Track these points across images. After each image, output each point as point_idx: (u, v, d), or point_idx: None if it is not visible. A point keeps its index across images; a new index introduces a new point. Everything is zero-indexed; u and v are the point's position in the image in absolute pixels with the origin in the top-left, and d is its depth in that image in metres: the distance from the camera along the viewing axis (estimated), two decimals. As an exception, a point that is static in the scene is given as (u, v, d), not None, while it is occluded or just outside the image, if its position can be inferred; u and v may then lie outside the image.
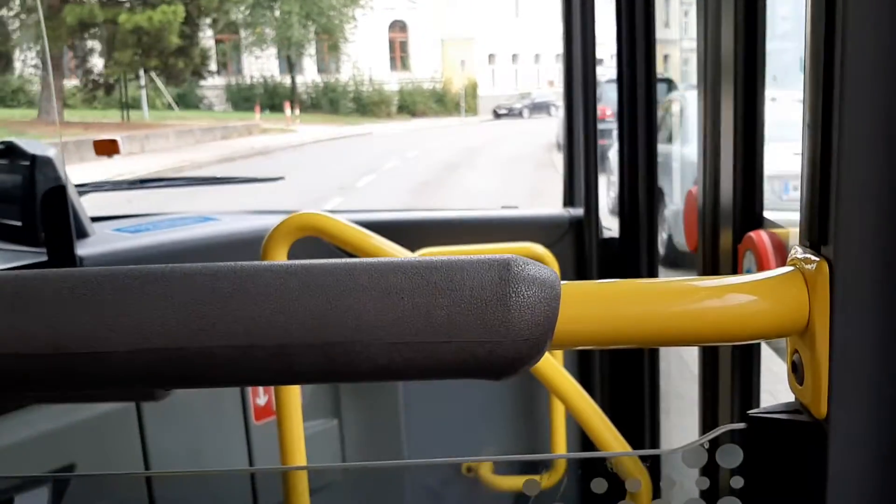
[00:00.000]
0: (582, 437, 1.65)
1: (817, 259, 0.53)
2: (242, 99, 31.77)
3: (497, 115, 32.14)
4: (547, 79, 35.83)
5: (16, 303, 0.50)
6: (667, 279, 0.58)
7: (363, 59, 33.72)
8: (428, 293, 0.50)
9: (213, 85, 32.91)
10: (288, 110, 28.30)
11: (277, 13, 31.22)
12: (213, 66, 32.63)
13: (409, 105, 34.39)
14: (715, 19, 1.30)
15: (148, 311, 0.49)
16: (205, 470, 1.91)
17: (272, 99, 31.71)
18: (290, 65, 33.02)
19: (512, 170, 14.34)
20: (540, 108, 30.82)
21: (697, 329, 0.55)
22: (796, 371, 0.57)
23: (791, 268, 0.56)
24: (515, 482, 2.16)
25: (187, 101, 30.15)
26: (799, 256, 0.56)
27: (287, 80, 33.31)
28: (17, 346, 0.49)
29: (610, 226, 2.16)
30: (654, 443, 2.05)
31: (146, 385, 0.53)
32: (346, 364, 0.50)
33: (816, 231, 0.53)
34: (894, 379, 0.52)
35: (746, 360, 1.38)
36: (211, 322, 0.49)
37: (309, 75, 34.24)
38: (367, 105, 33.23)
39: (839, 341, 0.52)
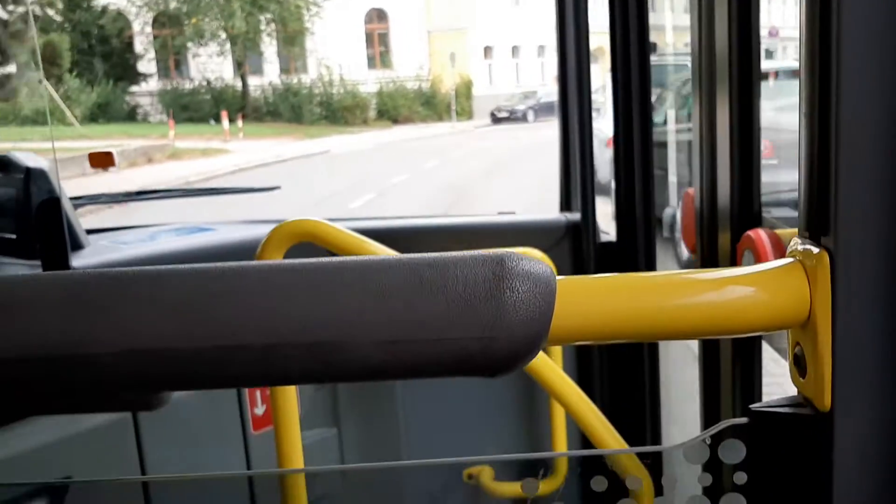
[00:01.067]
0: (584, 440, 1.76)
1: (817, 250, 0.53)
2: (181, 107, 26.16)
3: (496, 119, 27.73)
4: (553, 74, 30.42)
5: (1, 307, 0.50)
6: (664, 272, 0.58)
7: (334, 55, 28.32)
8: (420, 291, 0.49)
9: (148, 91, 27.44)
10: (226, 122, 22.40)
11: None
12: (149, 68, 27.33)
13: (390, 109, 29.11)
14: (709, 16, 1.31)
15: (134, 312, 0.50)
16: (201, 475, 1.85)
17: (219, 106, 26.12)
18: (238, 63, 27.20)
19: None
20: (547, 109, 25.91)
21: (696, 322, 0.55)
22: (798, 364, 0.57)
23: (791, 259, 0.56)
24: (517, 488, 2.12)
25: (112, 112, 24.53)
26: (799, 248, 0.56)
27: (240, 83, 27.71)
28: (2, 350, 0.49)
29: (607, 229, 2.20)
30: (656, 440, 2.10)
31: (134, 388, 0.53)
32: (337, 364, 0.50)
33: (816, 221, 0.54)
34: None
35: (748, 354, 1.40)
36: (198, 322, 0.49)
37: (270, 76, 28.64)
38: (336, 110, 27.72)
39: (842, 332, 0.53)
